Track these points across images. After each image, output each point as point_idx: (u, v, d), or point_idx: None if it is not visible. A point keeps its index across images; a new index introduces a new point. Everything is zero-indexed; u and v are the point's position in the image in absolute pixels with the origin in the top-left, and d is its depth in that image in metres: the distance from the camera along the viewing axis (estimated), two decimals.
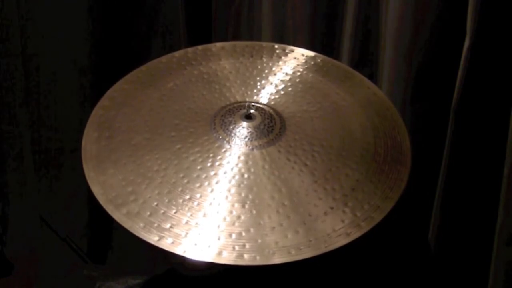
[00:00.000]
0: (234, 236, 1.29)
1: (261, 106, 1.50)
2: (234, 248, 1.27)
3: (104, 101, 1.55)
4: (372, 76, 1.73)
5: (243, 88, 1.56)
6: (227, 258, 1.26)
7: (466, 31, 1.52)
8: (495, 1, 1.49)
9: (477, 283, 1.62)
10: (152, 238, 1.29)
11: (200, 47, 1.68)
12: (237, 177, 1.37)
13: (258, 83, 1.57)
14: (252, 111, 1.48)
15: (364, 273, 1.73)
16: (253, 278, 1.52)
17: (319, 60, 1.64)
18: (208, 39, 1.87)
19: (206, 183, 1.36)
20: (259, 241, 1.28)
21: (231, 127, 1.45)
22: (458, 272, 1.69)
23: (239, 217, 1.31)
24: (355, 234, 1.31)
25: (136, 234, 1.29)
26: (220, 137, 1.44)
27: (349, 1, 1.73)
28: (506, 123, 1.49)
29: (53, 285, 1.94)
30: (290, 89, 1.56)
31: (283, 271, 1.31)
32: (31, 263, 2.04)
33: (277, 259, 1.26)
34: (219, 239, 1.28)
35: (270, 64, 1.62)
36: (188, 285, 1.71)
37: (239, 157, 1.40)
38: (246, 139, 1.43)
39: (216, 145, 1.43)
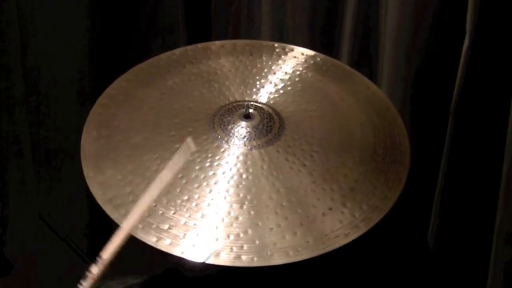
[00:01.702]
0: (232, 237, 1.28)
1: (260, 105, 1.50)
2: (232, 249, 1.27)
3: (103, 99, 1.55)
4: (372, 76, 1.73)
5: (242, 87, 1.56)
6: (225, 259, 1.26)
7: (466, 30, 1.52)
8: (494, 0, 1.49)
9: (476, 282, 1.62)
10: (150, 239, 1.29)
11: (199, 45, 1.67)
12: (235, 177, 1.37)
13: (258, 82, 1.57)
14: (251, 110, 1.47)
15: (364, 273, 1.73)
16: (252, 278, 1.52)
17: (318, 59, 1.63)
18: (208, 39, 1.86)
19: (204, 184, 1.36)
20: (257, 242, 1.28)
21: (230, 126, 1.45)
22: (457, 271, 1.69)
23: (237, 218, 1.31)
24: (354, 235, 1.31)
25: (135, 235, 1.29)
26: (219, 136, 1.44)
27: (349, 0, 1.73)
28: (505, 122, 1.49)
29: (53, 285, 1.94)
30: (289, 88, 1.56)
31: (282, 271, 1.30)
32: (30, 263, 2.04)
33: (275, 261, 1.26)
34: (217, 240, 1.28)
35: (270, 63, 1.62)
36: (187, 285, 1.71)
37: (237, 157, 1.40)
38: (245, 139, 1.43)
39: (215, 145, 1.43)
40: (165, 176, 1.24)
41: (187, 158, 1.25)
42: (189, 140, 1.23)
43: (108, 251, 1.22)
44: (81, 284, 1.21)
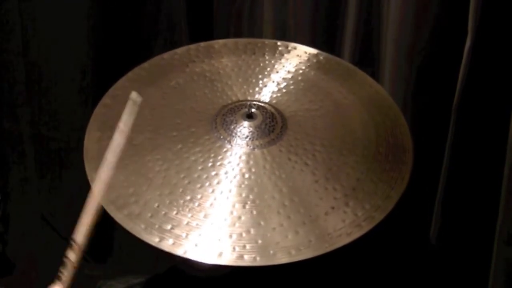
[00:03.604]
0: (234, 236, 1.29)
1: (262, 105, 1.50)
2: (234, 249, 1.27)
3: (106, 100, 1.55)
4: (374, 75, 1.72)
5: (245, 87, 1.56)
6: (227, 259, 1.26)
7: (467, 31, 1.52)
8: (496, 1, 1.49)
9: (478, 282, 1.62)
10: (153, 240, 1.29)
11: (202, 44, 1.67)
12: (238, 177, 1.37)
13: (260, 81, 1.57)
14: (253, 110, 1.47)
15: (365, 273, 1.73)
16: (255, 277, 1.52)
17: (321, 57, 1.63)
18: (210, 39, 1.86)
19: (207, 184, 1.36)
20: (260, 241, 1.28)
21: (233, 126, 1.45)
22: (459, 271, 1.69)
23: (239, 217, 1.31)
24: (356, 234, 1.31)
25: (137, 235, 1.30)
26: (221, 136, 1.44)
27: (350, 0, 1.73)
28: (506, 122, 1.49)
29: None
30: (292, 87, 1.56)
31: (283, 271, 1.30)
32: (32, 262, 2.04)
33: (277, 260, 1.26)
34: (219, 240, 1.28)
35: (272, 62, 1.61)
36: (189, 284, 1.71)
37: (240, 157, 1.40)
38: (247, 139, 1.43)
39: (217, 144, 1.43)
40: (117, 141, 1.23)
41: (135, 113, 1.24)
42: (133, 95, 1.23)
43: (80, 233, 1.21)
44: (61, 273, 1.20)
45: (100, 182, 1.22)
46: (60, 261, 1.25)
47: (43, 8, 1.90)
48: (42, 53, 1.95)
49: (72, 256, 1.20)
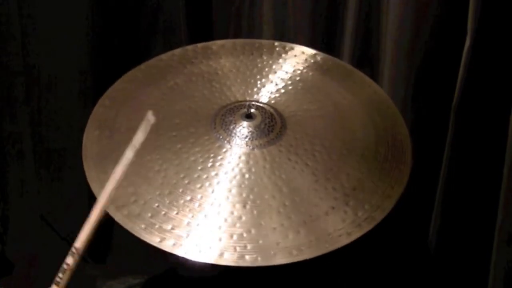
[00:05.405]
0: (235, 237, 1.28)
1: (261, 105, 1.50)
2: (235, 249, 1.27)
3: (104, 100, 1.55)
4: (373, 75, 1.72)
5: (243, 87, 1.56)
6: (228, 259, 1.26)
7: (467, 31, 1.52)
8: (495, 1, 1.49)
9: (477, 283, 1.62)
10: (154, 240, 1.29)
11: (199, 45, 1.67)
12: (238, 177, 1.37)
13: (259, 82, 1.57)
14: (252, 110, 1.47)
15: (364, 273, 1.73)
16: (254, 277, 1.52)
17: (319, 58, 1.63)
18: (209, 39, 1.86)
19: (207, 184, 1.36)
20: (261, 242, 1.28)
21: (232, 126, 1.45)
22: (458, 272, 1.69)
23: (240, 217, 1.31)
24: (356, 234, 1.31)
25: (138, 235, 1.29)
26: (221, 136, 1.43)
27: (349, 0, 1.73)
28: (506, 122, 1.49)
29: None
30: (290, 87, 1.56)
31: (283, 270, 1.30)
32: (31, 262, 2.04)
33: (278, 260, 1.26)
34: (220, 240, 1.28)
35: (270, 62, 1.62)
36: (188, 284, 1.71)
37: (239, 157, 1.40)
38: (247, 139, 1.43)
39: (217, 145, 1.42)
40: (128, 157, 1.24)
41: (147, 132, 1.26)
42: (149, 115, 1.24)
43: (81, 240, 1.22)
44: (59, 278, 1.21)
45: (106, 193, 1.23)
46: (59, 261, 1.25)
47: (43, 9, 1.89)
48: (42, 53, 1.94)
49: (70, 260, 1.20)
